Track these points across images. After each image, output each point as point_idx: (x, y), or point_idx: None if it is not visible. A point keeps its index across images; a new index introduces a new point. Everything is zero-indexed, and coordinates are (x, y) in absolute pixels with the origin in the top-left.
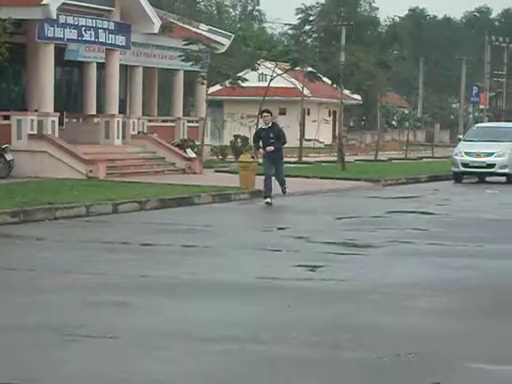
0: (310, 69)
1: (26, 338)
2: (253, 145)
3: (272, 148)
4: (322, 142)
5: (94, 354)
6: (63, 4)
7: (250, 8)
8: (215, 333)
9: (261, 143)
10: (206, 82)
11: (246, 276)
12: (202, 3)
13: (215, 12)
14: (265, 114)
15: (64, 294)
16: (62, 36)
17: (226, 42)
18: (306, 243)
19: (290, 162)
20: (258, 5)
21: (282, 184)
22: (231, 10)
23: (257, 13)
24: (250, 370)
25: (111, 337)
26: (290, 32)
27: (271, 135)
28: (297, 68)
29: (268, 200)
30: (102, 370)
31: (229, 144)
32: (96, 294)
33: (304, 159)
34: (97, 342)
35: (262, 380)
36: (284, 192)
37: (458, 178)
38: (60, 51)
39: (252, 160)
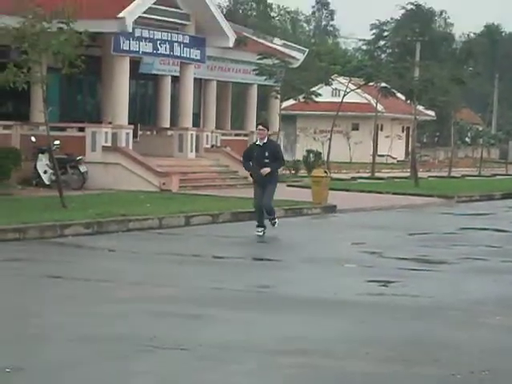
0: (383, 84)
1: (98, 349)
2: (243, 165)
3: (268, 170)
4: (395, 158)
5: (166, 366)
6: (139, 17)
7: (324, 23)
8: (287, 346)
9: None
10: (279, 96)
11: (318, 290)
12: (277, 18)
13: (289, 27)
14: (260, 127)
15: (136, 306)
16: (137, 49)
17: (300, 57)
18: (378, 258)
19: (362, 177)
20: (333, 20)
21: (270, 213)
22: (305, 24)
23: (331, 28)
24: (322, 383)
25: (183, 349)
26: (364, 47)
27: (266, 154)
28: (371, 83)
29: (259, 230)
30: (174, 382)
31: (301, 159)
32: (168, 306)
33: (377, 175)
34: (169, 354)
35: None
36: (273, 224)
37: None
38: (135, 64)
39: (325, 175)
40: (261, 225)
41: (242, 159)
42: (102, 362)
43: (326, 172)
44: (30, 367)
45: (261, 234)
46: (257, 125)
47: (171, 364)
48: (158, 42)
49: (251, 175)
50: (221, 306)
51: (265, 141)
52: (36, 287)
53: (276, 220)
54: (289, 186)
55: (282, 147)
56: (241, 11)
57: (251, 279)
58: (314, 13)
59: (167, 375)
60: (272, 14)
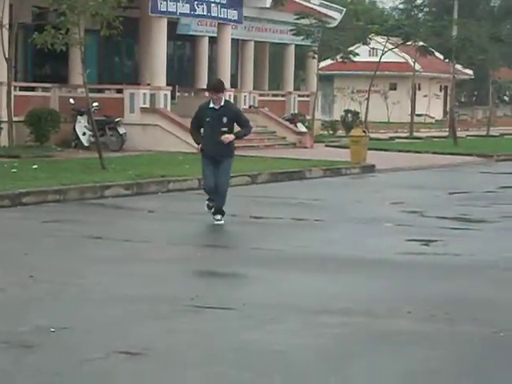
0: (421, 43)
1: (140, 308)
2: (190, 134)
3: (231, 137)
4: (433, 118)
5: (208, 325)
6: None
7: None
8: (329, 306)
9: (203, 133)
10: (317, 56)
11: (359, 250)
12: None
13: None
14: (212, 92)
15: (177, 266)
16: (174, 10)
17: (338, 17)
18: (418, 218)
19: (400, 137)
20: None
21: (220, 199)
22: None
23: None
24: (365, 342)
25: (226, 308)
26: (401, 6)
27: (224, 120)
28: (408, 43)
29: (218, 218)
30: (217, 341)
31: (339, 119)
32: (208, 266)
33: (415, 134)
34: (211, 313)
35: (377, 352)
36: (218, 220)
37: None
38: (172, 25)
39: (363, 134)
40: (217, 211)
41: (190, 127)
42: (144, 321)
43: (364, 131)
44: (72, 326)
45: (222, 221)
46: (209, 89)
47: (214, 323)
48: (196, 2)
49: (201, 149)
50: (262, 266)
51: (222, 104)
52: (77, 248)
53: (223, 219)
54: (327, 146)
55: (318, 107)
56: None
57: (292, 239)
58: None
59: (210, 334)
60: None
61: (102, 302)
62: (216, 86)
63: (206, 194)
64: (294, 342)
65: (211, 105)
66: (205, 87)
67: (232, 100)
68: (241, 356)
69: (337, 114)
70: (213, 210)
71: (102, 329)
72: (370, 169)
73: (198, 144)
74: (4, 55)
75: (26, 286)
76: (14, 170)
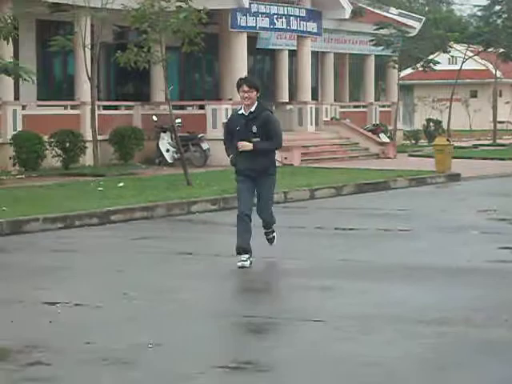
0: (501, 49)
1: (236, 323)
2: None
3: (249, 145)
4: None
5: (303, 338)
6: None
7: None
8: (425, 315)
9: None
10: (397, 65)
11: (450, 258)
12: None
13: None
14: (245, 87)
15: (270, 279)
16: (254, 24)
17: (417, 26)
18: (507, 225)
19: (483, 145)
20: None
21: (268, 225)
22: None
23: None
24: (464, 352)
25: (321, 320)
26: (479, 13)
27: (254, 128)
28: (489, 49)
29: (243, 259)
30: (313, 353)
31: (420, 128)
32: (299, 278)
33: (498, 141)
34: (307, 326)
35: (477, 361)
36: (271, 241)
37: None
38: (252, 40)
39: (447, 143)
40: (245, 249)
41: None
42: (240, 335)
43: (448, 140)
44: (169, 342)
45: (246, 263)
46: (239, 83)
47: (308, 336)
48: (275, 16)
49: (232, 163)
50: (351, 278)
51: (252, 109)
52: (168, 264)
53: (275, 233)
54: (410, 155)
55: (399, 117)
56: None
57: (380, 250)
58: None
59: (306, 347)
60: None
61: (198, 317)
62: (248, 79)
63: (237, 224)
64: (391, 353)
65: (241, 111)
66: (286, 100)
67: (313, 112)
68: (341, 368)
69: (418, 124)
70: (264, 229)
71: (199, 344)
72: (456, 177)
73: (229, 156)
74: (87, 75)
75: (121, 303)
76: (101, 189)
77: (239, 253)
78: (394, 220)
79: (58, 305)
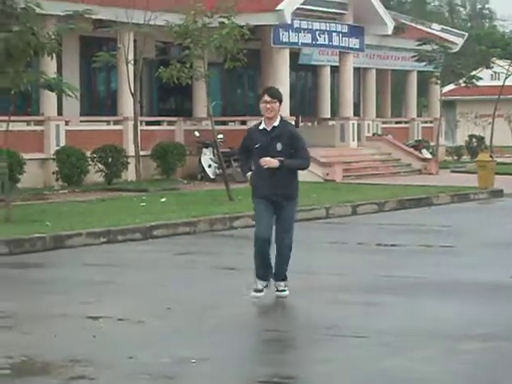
0: None
1: (279, 338)
2: (240, 166)
3: (275, 162)
4: None
5: (347, 353)
6: (297, 9)
7: (479, 6)
8: (468, 331)
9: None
10: (439, 81)
11: (494, 274)
12: (432, 4)
13: (446, 12)
14: (266, 97)
15: (310, 295)
16: (296, 40)
17: (459, 41)
18: None
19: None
20: (488, 3)
21: (283, 262)
22: (461, 8)
23: (486, 11)
24: (508, 368)
25: (361, 336)
26: None
27: (278, 146)
28: None
29: (259, 287)
30: (357, 369)
31: (462, 144)
32: (341, 294)
33: None
34: (348, 342)
35: None
36: (281, 290)
37: None
38: (294, 55)
39: (490, 159)
40: (264, 276)
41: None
42: (283, 350)
43: (491, 156)
44: (213, 357)
45: (261, 293)
46: (261, 94)
47: (352, 352)
48: (317, 32)
49: (251, 183)
50: (394, 294)
51: (275, 123)
52: (211, 279)
53: (287, 290)
54: (452, 171)
55: (442, 133)
56: None
57: (423, 266)
58: None
59: (349, 362)
60: None
61: (240, 332)
62: (270, 90)
63: (255, 254)
64: (434, 368)
65: (262, 126)
66: (328, 116)
67: (355, 128)
68: (384, 380)
69: (460, 140)
70: (273, 276)
71: (241, 359)
72: (499, 193)
73: (246, 175)
74: (130, 90)
75: (164, 318)
76: (143, 204)
77: (259, 277)
78: (437, 236)
79: (101, 319)
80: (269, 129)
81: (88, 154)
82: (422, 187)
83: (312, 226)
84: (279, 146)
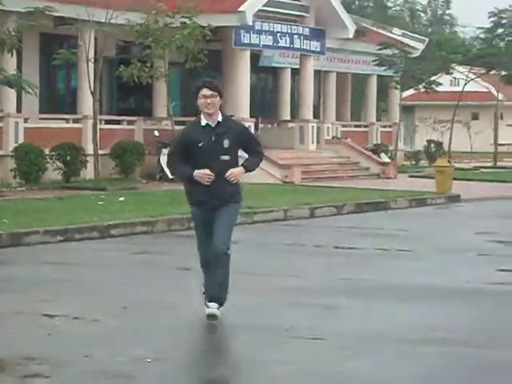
0: (503, 72)
1: (236, 338)
2: (170, 170)
3: (240, 172)
4: None
5: (305, 356)
6: (259, 10)
7: (440, 12)
8: (425, 336)
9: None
10: (399, 86)
11: (449, 280)
12: (394, 8)
13: (407, 16)
14: (206, 91)
15: (268, 296)
16: (257, 42)
17: (420, 46)
18: (508, 247)
19: (484, 167)
20: (449, 9)
21: (218, 271)
22: (422, 14)
23: (447, 17)
24: (467, 373)
25: (319, 338)
26: (483, 36)
27: (225, 143)
28: (492, 72)
29: (211, 305)
30: (315, 371)
31: (421, 149)
32: (298, 297)
33: (499, 164)
34: (306, 344)
35: (478, 382)
36: (212, 316)
37: None
38: (254, 57)
39: (448, 164)
40: (212, 298)
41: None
42: (239, 350)
43: (449, 161)
44: (168, 357)
45: (216, 312)
46: (198, 87)
47: (310, 354)
48: (278, 34)
49: (188, 192)
50: (352, 297)
51: (219, 119)
52: (167, 279)
53: (218, 310)
54: (410, 176)
55: (400, 137)
56: (357, 2)
57: (379, 269)
58: (429, 2)
59: (306, 365)
60: (388, 3)
61: (196, 331)
62: (210, 83)
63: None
64: (391, 372)
65: (204, 122)
66: (288, 118)
67: (315, 131)
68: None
69: (418, 145)
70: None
71: (195, 358)
72: (456, 199)
73: (184, 180)
74: (90, 89)
75: (120, 317)
76: (101, 203)
77: (210, 299)
78: (394, 240)
79: (56, 317)
80: (213, 125)
81: (47, 151)
82: (380, 191)
83: (270, 227)
84: (226, 143)
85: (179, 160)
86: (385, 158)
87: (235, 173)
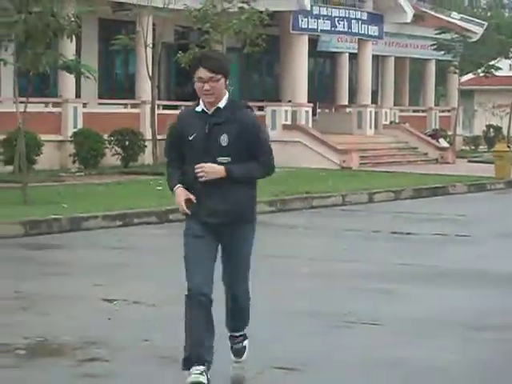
0: None
1: (294, 324)
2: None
3: (218, 170)
4: None
5: (363, 341)
6: None
7: None
8: (485, 321)
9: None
10: (458, 71)
11: (508, 264)
12: None
13: (466, 0)
14: (203, 71)
15: (326, 281)
16: (315, 27)
17: (479, 31)
18: None
19: None
20: None
21: (238, 319)
22: None
23: (506, 0)
24: None
25: (378, 324)
26: None
27: (222, 139)
28: None
29: (196, 372)
30: (373, 356)
31: (479, 134)
32: (357, 281)
33: None
34: (365, 329)
35: None
36: (239, 353)
37: None
38: (312, 42)
39: (508, 149)
40: (199, 357)
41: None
42: (297, 336)
43: (508, 146)
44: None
45: (202, 379)
46: (194, 65)
47: (368, 339)
48: (336, 19)
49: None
50: (411, 282)
51: (221, 104)
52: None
53: (246, 342)
54: (469, 161)
55: (459, 122)
56: None
57: (439, 255)
58: None
59: (365, 350)
60: None
61: (254, 317)
62: (209, 61)
63: (187, 314)
64: (452, 357)
65: (200, 107)
66: (346, 103)
67: (373, 116)
68: (399, 372)
69: (477, 129)
70: (231, 350)
71: (256, 344)
72: None
73: (173, 186)
74: (148, 74)
75: (178, 302)
76: (159, 188)
77: (189, 363)
78: (453, 225)
79: (116, 302)
80: (210, 111)
81: (105, 136)
82: (438, 176)
83: (328, 212)
84: (224, 139)
85: (173, 160)
86: (443, 143)
87: (207, 167)
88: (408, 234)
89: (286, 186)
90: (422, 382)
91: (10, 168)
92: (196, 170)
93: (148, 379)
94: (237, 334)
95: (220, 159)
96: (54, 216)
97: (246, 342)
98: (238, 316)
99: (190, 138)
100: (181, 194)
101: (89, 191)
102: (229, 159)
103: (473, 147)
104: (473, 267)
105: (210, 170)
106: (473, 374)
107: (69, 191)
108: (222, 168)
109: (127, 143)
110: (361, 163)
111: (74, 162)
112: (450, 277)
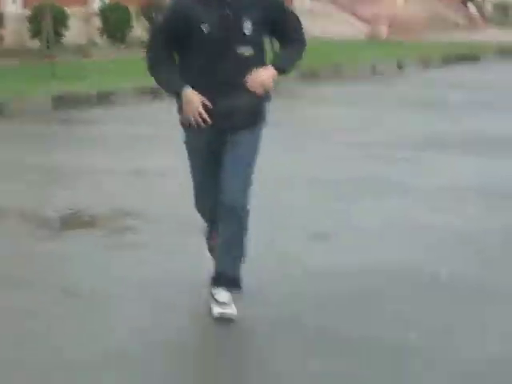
0: None
1: (329, 190)
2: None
3: (270, 75)
4: None
5: (390, 206)
6: None
7: None
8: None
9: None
10: None
11: None
12: None
13: None
14: None
15: (355, 150)
16: None
17: None
18: None
19: None
20: None
21: (233, 246)
22: None
23: None
24: None
25: (408, 192)
26: None
27: (246, 25)
28: None
29: (225, 311)
30: (401, 224)
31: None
32: (387, 150)
33: None
34: (391, 196)
35: None
36: (235, 286)
37: None
38: None
39: None
40: (233, 278)
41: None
42: (333, 202)
43: None
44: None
45: (230, 313)
46: None
47: (394, 205)
48: None
49: (180, 108)
50: (440, 149)
51: None
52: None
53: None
54: (499, 28)
55: None
56: None
57: (469, 122)
58: None
59: (391, 215)
60: None
61: (291, 184)
62: None
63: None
64: (477, 225)
65: None
66: None
67: None
68: (428, 236)
69: None
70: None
71: (287, 211)
72: None
73: (176, 95)
74: None
75: None
76: None
77: (216, 283)
78: (484, 92)
79: (147, 174)
80: None
81: (133, 10)
82: (468, 43)
83: (357, 81)
84: (248, 26)
85: (163, 54)
86: (473, 10)
87: (263, 78)
88: (437, 101)
89: (316, 56)
90: (444, 249)
91: (37, 43)
92: (250, 88)
93: (177, 249)
94: (221, 297)
95: (240, 50)
96: (82, 90)
97: (237, 290)
98: (232, 222)
99: (202, 28)
100: (195, 98)
101: (117, 66)
102: (251, 50)
103: (502, 14)
104: (502, 135)
105: (268, 79)
106: (494, 240)
107: (97, 66)
108: (273, 71)
109: (154, 16)
110: (390, 33)
111: (101, 35)
112: (479, 144)
